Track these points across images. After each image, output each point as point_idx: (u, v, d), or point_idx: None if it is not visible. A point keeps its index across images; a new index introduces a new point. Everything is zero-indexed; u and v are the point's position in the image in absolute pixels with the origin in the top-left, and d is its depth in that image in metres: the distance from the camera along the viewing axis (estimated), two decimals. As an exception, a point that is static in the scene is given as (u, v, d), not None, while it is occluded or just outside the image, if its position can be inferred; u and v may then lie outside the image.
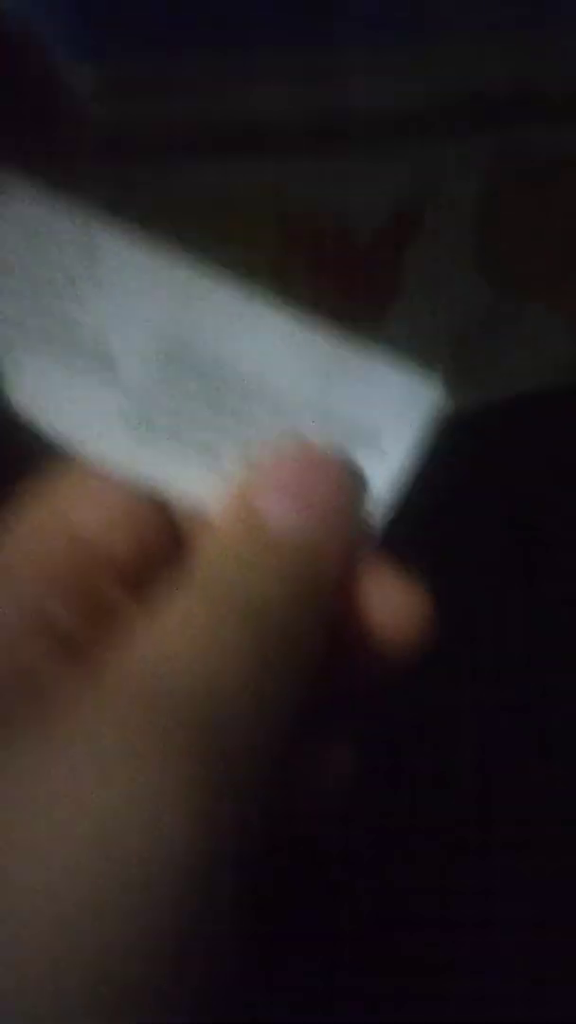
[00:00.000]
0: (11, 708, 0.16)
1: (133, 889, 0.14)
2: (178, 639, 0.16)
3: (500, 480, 0.35)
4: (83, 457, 0.19)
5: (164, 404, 0.19)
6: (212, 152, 0.34)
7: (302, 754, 0.19)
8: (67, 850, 0.14)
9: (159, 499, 0.19)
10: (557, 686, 0.33)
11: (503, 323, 0.39)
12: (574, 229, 0.39)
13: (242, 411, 0.19)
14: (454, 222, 0.38)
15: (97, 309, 0.19)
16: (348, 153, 0.35)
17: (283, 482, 0.18)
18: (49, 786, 0.14)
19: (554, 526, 0.36)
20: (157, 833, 0.14)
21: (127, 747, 0.15)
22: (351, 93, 0.34)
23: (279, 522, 0.18)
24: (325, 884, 0.28)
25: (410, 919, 0.29)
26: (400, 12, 0.35)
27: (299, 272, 0.36)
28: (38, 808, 0.14)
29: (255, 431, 0.19)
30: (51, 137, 0.21)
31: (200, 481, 0.19)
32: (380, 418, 0.19)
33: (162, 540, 0.19)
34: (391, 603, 0.19)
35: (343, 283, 0.36)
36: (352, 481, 0.19)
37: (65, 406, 0.19)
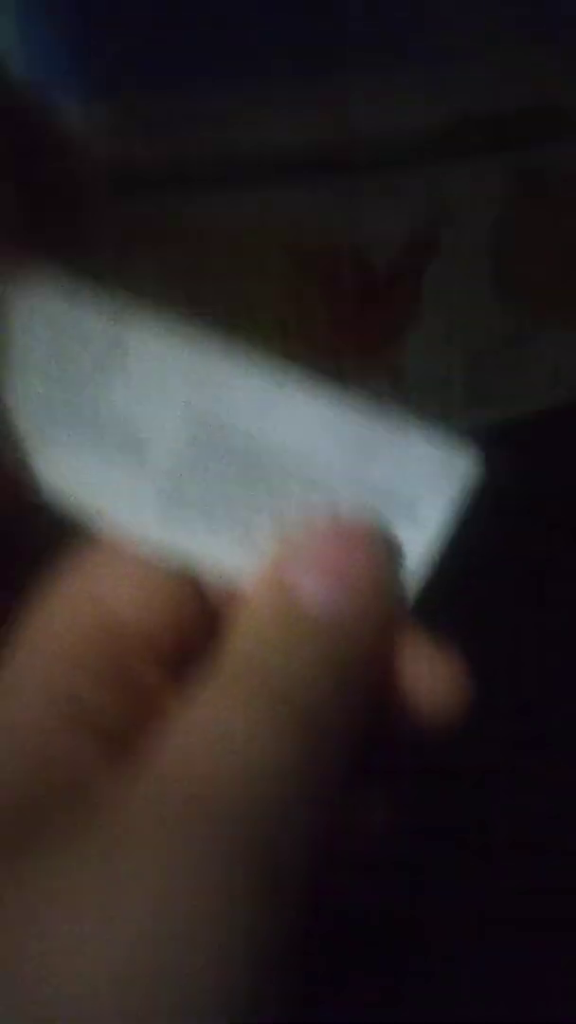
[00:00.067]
0: (45, 805, 0.16)
1: (175, 997, 0.14)
2: (216, 736, 0.16)
3: (531, 544, 0.34)
4: (114, 536, 0.19)
5: (195, 482, 0.19)
6: (223, 185, 0.34)
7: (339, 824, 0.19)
8: (109, 958, 0.14)
9: (192, 576, 0.19)
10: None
11: (521, 343, 0.39)
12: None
13: (274, 485, 0.19)
14: (470, 243, 0.37)
15: (126, 395, 0.18)
16: (362, 181, 0.34)
17: (317, 557, 0.18)
18: (86, 895, 0.14)
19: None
20: (196, 945, 0.14)
21: (167, 853, 0.15)
22: (363, 120, 0.34)
23: (313, 599, 0.18)
24: (363, 947, 0.28)
25: (449, 979, 0.29)
26: (410, 34, 0.34)
27: (314, 303, 0.35)
28: (77, 915, 0.14)
29: (288, 505, 0.19)
30: (74, 222, 0.21)
31: (234, 556, 0.19)
32: (414, 488, 0.19)
33: (196, 617, 0.19)
34: (428, 674, 0.18)
35: (360, 311, 0.36)
36: (387, 553, 0.19)
37: (96, 488, 0.19)
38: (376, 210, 0.35)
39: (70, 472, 0.19)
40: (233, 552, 0.19)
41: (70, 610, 0.18)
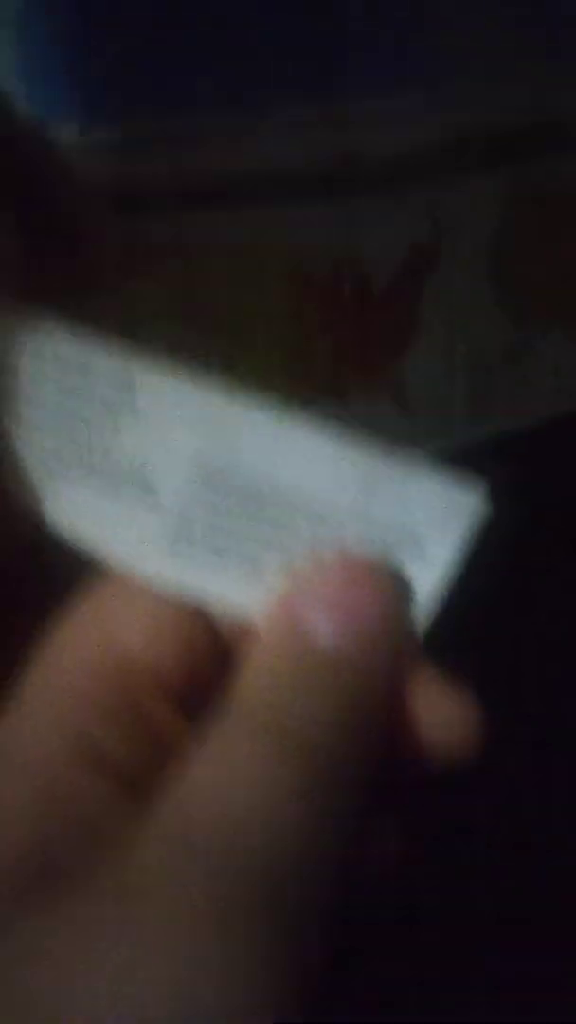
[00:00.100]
0: (54, 841, 0.16)
1: None
2: (228, 772, 0.16)
3: (541, 577, 0.34)
4: (124, 575, 0.19)
5: (204, 521, 0.19)
6: (223, 205, 0.34)
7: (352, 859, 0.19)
8: (131, 1006, 0.14)
9: (202, 612, 0.19)
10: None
11: (521, 357, 0.39)
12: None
13: (283, 523, 0.19)
14: (469, 259, 0.37)
15: (135, 437, 0.18)
16: (362, 198, 0.34)
17: (326, 592, 0.18)
18: (102, 941, 0.14)
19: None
20: (220, 992, 0.14)
21: (183, 895, 0.14)
22: (362, 138, 0.34)
23: (323, 634, 0.18)
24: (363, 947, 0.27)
25: (449, 979, 0.29)
26: (408, 50, 0.34)
27: (315, 319, 0.35)
28: (92, 961, 0.14)
29: (297, 542, 0.19)
30: (75, 252, 0.21)
31: (242, 594, 0.19)
32: (423, 525, 0.19)
33: (206, 653, 0.19)
34: (438, 711, 0.18)
35: (360, 328, 0.36)
36: (396, 589, 0.19)
37: (105, 528, 0.19)
38: (375, 227, 0.35)
39: (79, 511, 0.19)
40: (242, 589, 0.19)
41: (81, 646, 0.18)
